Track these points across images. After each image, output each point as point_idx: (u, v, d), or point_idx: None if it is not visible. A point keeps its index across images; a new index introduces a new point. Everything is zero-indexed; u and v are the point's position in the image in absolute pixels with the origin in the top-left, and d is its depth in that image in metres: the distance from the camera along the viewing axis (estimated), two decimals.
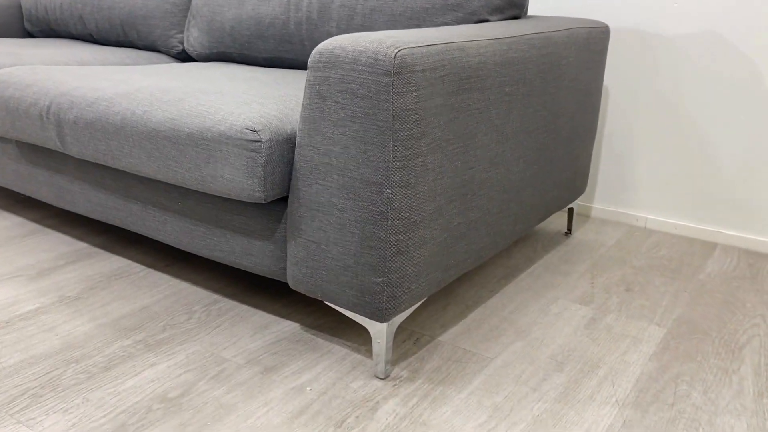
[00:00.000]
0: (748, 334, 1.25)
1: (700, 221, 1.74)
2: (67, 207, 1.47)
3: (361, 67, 0.91)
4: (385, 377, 1.07)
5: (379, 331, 1.03)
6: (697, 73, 1.65)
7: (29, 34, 2.34)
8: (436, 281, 1.09)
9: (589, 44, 1.45)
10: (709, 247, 1.70)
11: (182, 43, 1.87)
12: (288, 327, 1.22)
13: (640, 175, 1.79)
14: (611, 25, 1.72)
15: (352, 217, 0.98)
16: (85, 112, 1.22)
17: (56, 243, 1.57)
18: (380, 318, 1.01)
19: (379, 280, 0.99)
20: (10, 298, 1.30)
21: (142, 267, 1.46)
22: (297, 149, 1.01)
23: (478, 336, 1.21)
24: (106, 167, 1.33)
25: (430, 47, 0.94)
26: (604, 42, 1.53)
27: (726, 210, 1.69)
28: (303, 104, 0.99)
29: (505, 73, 1.13)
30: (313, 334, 1.20)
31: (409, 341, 1.19)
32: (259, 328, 1.21)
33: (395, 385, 1.05)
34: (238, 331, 1.20)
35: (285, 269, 1.12)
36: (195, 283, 1.39)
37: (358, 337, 1.19)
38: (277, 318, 1.25)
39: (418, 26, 1.41)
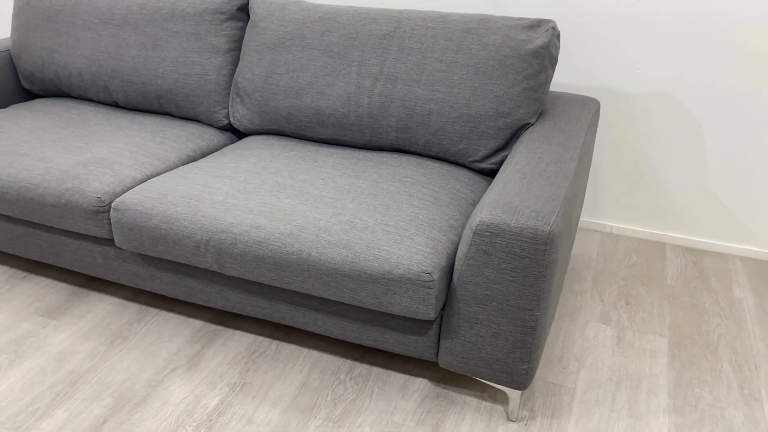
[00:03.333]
0: (717, 334, 1.85)
1: (651, 226, 2.32)
2: (200, 302, 1.73)
3: (522, 238, 1.30)
4: (517, 419, 1.54)
5: (518, 393, 1.49)
6: (652, 119, 2.16)
7: (28, 92, 2.37)
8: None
9: (592, 128, 1.90)
10: (660, 247, 2.29)
11: (227, 118, 2.08)
12: (421, 384, 1.64)
13: (608, 193, 2.32)
14: (592, 85, 2.18)
15: (507, 329, 1.40)
16: (253, 249, 1.50)
17: (174, 324, 1.83)
18: (522, 388, 1.47)
19: (525, 366, 1.43)
20: (189, 395, 1.59)
21: (268, 340, 1.78)
22: (458, 282, 1.40)
23: (555, 368, 1.70)
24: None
25: (559, 212, 1.35)
26: (598, 117, 1.99)
27: (671, 218, 2.28)
28: (467, 254, 1.37)
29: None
30: (444, 388, 1.63)
31: None
32: (401, 389, 1.62)
33: (526, 424, 1.53)
34: (389, 395, 1.60)
35: (435, 354, 1.53)
36: (320, 349, 1.75)
37: (476, 385, 1.64)
38: (407, 376, 1.67)
39: (474, 127, 1.77)
